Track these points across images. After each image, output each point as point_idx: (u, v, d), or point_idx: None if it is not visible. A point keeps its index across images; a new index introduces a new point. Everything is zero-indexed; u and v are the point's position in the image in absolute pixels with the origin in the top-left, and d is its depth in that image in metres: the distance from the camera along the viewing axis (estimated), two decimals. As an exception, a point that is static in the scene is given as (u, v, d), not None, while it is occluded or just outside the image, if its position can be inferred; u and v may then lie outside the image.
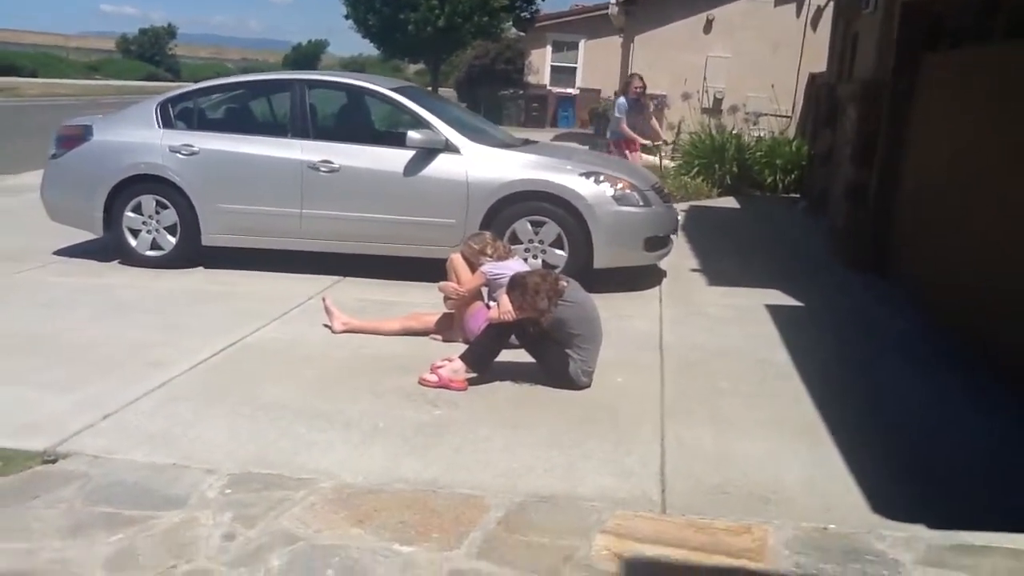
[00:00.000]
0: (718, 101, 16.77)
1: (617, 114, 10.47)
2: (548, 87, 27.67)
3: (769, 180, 12.95)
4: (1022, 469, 3.97)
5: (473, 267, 5.42)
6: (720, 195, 12.68)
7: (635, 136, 10.32)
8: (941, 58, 7.06)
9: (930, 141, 7.00)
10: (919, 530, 3.32)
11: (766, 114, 15.45)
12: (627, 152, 10.22)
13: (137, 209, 7.03)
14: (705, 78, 16.90)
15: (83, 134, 7.18)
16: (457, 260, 5.53)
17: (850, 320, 6.39)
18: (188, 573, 2.95)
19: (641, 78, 10.58)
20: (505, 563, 3.04)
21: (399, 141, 6.75)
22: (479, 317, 5.21)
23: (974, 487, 3.76)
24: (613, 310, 5.79)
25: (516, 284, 4.70)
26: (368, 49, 46.12)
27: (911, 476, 3.83)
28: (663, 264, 7.52)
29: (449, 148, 6.71)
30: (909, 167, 7.38)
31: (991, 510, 3.52)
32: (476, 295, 5.40)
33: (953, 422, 4.51)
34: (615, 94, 12.10)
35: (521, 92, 27.04)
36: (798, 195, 12.44)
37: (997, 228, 5.45)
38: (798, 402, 4.65)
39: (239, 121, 7.60)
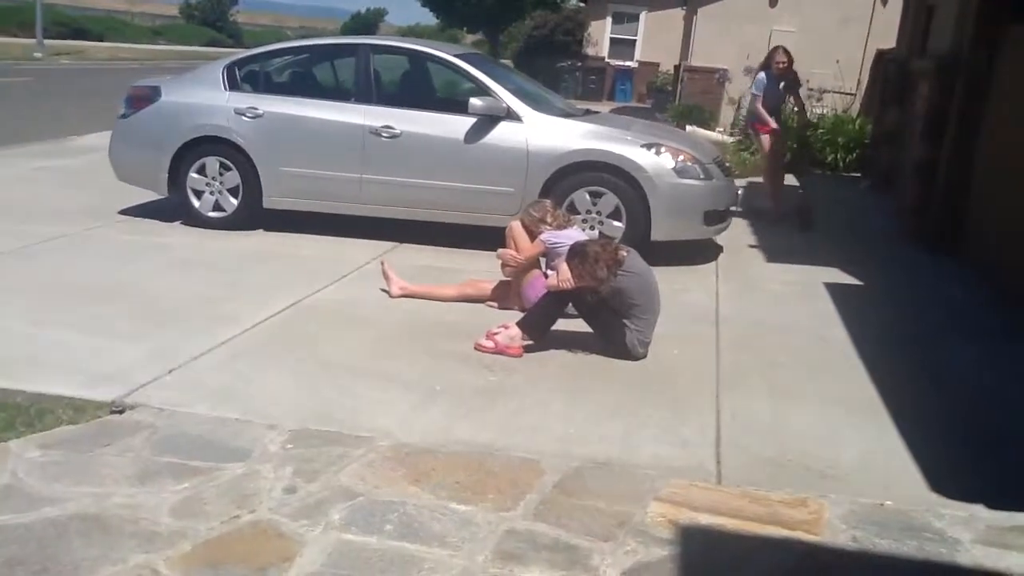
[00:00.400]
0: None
1: (754, 91, 9.17)
2: (607, 59, 27.34)
3: (830, 158, 12.71)
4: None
5: (532, 235, 5.43)
6: (779, 172, 12.45)
7: (768, 119, 8.81)
8: None
9: (1009, 117, 6.79)
10: (978, 510, 3.28)
11: (830, 91, 15.13)
12: (761, 135, 8.99)
13: (201, 170, 7.14)
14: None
15: (152, 95, 7.30)
16: (516, 228, 5.54)
17: (913, 297, 6.28)
18: (251, 523, 3.03)
19: (786, 51, 8.98)
20: (560, 525, 3.07)
21: (461, 108, 6.75)
22: (537, 285, 5.22)
23: (1037, 470, 3.70)
24: (669, 283, 5.75)
25: (576, 252, 4.70)
26: (426, 18, 46.35)
27: (972, 455, 3.78)
28: (720, 239, 7.45)
29: (511, 116, 6.70)
30: (983, 144, 7.19)
31: (1055, 494, 3.46)
32: (534, 263, 5.41)
33: (1017, 404, 4.42)
34: (753, 70, 11.10)
35: (579, 64, 26.78)
36: (859, 174, 12.19)
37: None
38: (857, 378, 4.60)
39: (303, 85, 7.67)
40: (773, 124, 8.82)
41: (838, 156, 12.64)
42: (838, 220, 9.16)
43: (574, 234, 5.33)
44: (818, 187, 11.61)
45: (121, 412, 3.83)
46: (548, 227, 5.42)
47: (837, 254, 7.29)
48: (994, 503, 3.31)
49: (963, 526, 3.17)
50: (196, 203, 7.20)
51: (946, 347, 5.22)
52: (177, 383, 4.13)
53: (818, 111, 13.95)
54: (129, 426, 3.70)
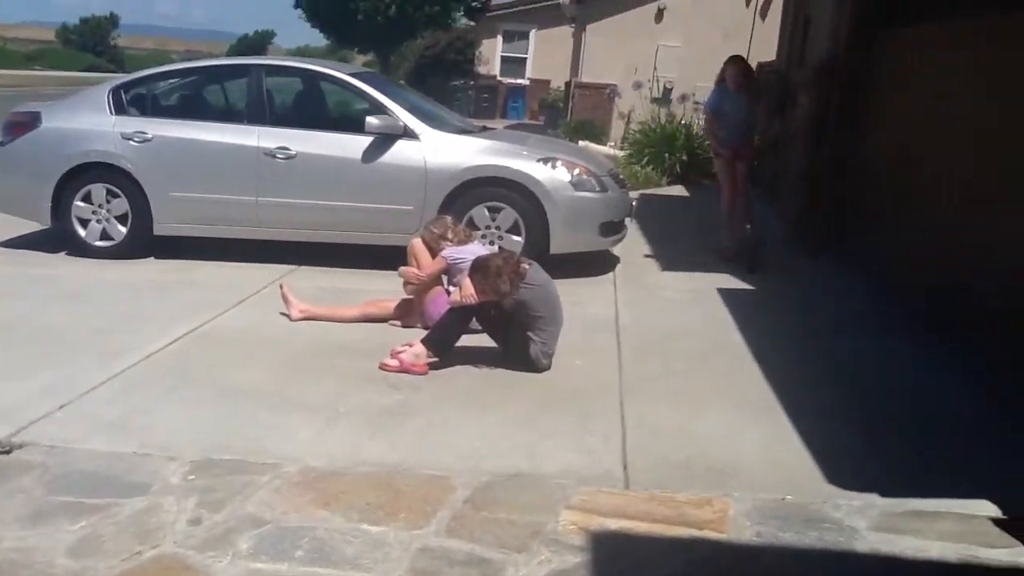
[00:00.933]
0: (668, 90, 16.89)
1: (705, 108, 8.24)
2: (498, 78, 27.62)
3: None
4: (971, 436, 4.11)
5: (433, 252, 5.43)
6: (670, 184, 12.80)
7: (719, 138, 7.79)
8: (898, 35, 7.16)
9: (884, 121, 7.14)
10: (873, 498, 3.42)
11: (716, 103, 15.59)
12: (715, 160, 7.98)
13: (87, 198, 6.91)
14: (656, 67, 17.02)
15: (31, 121, 7.03)
16: (417, 245, 5.54)
17: (801, 299, 6.53)
18: (155, 558, 2.93)
19: (741, 60, 7.80)
20: (474, 539, 3.07)
21: (357, 127, 6.72)
22: (439, 302, 5.22)
23: (925, 455, 3.87)
24: (570, 295, 5.81)
25: (478, 267, 4.72)
26: (315, 40, 45.83)
27: (864, 446, 3.94)
28: (617, 250, 7.59)
29: (408, 134, 6.70)
30: (862, 149, 7.52)
31: (941, 477, 3.63)
32: (436, 280, 5.41)
33: (906, 395, 4.64)
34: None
35: (471, 83, 26.96)
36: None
37: (949, 204, 5.62)
38: (753, 380, 4.75)
39: (194, 107, 7.50)
40: (721, 147, 7.76)
41: (725, 166, 13.01)
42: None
43: (475, 249, 5.35)
44: (707, 196, 11.97)
45: (8, 452, 3.65)
46: (449, 243, 5.44)
47: (728, 261, 7.50)
48: (886, 491, 3.46)
49: (859, 515, 3.30)
50: (82, 232, 6.95)
51: (834, 345, 5.44)
52: (69, 419, 3.98)
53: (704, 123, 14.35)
54: (18, 466, 3.53)
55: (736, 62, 7.67)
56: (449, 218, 5.80)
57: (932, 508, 3.36)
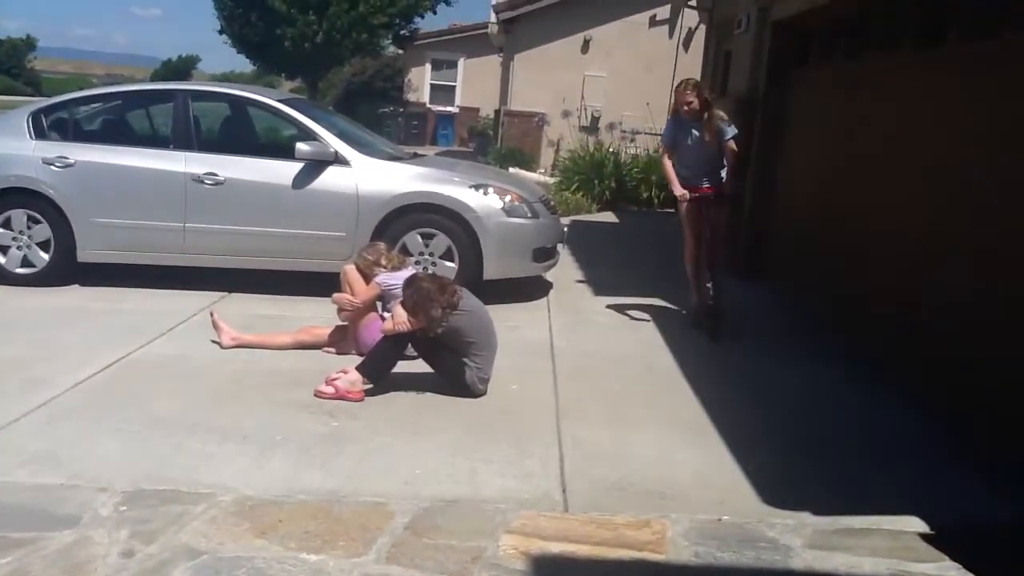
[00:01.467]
0: (596, 119, 17.17)
1: (660, 144, 7.31)
2: (428, 105, 27.70)
3: (646, 195, 13.36)
4: (897, 449, 4.28)
5: (367, 278, 5.41)
6: (599, 210, 13.01)
7: (673, 179, 6.38)
8: (811, 73, 7.49)
9: (799, 152, 7.42)
10: (806, 516, 3.51)
11: (642, 132, 15.90)
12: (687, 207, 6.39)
13: (7, 224, 6.71)
14: (583, 96, 17.28)
15: None
16: (351, 272, 5.51)
17: (732, 321, 6.65)
18: (85, 592, 2.85)
19: (695, 86, 6.38)
20: (414, 566, 3.06)
21: (287, 153, 6.67)
22: (373, 328, 5.20)
23: (855, 474, 4.00)
24: (504, 320, 5.86)
25: (411, 285, 4.72)
26: (241, 65, 45.35)
27: (797, 466, 4.05)
28: (550, 275, 7.66)
29: (339, 160, 6.67)
30: (781, 178, 7.78)
31: (872, 495, 3.75)
32: (370, 306, 5.39)
33: (835, 416, 4.79)
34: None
35: (401, 110, 26.99)
36: (673, 210, 12.85)
37: (859, 229, 5.87)
38: (686, 402, 4.84)
39: (118, 132, 7.35)
40: (677, 189, 6.37)
41: (653, 193, 13.29)
42: (657, 253, 9.60)
43: (409, 275, 5.34)
44: (635, 222, 12.18)
45: (-73, 487, 3.51)
46: (383, 269, 5.43)
47: (658, 285, 7.63)
48: (819, 509, 3.56)
49: (793, 533, 3.38)
50: (2, 259, 6.74)
51: (763, 366, 5.57)
52: (-9, 451, 3.84)
53: (632, 151, 14.63)
54: (-62, 501, 3.40)
55: (689, 86, 6.32)
56: (382, 244, 5.79)
57: (863, 525, 3.46)
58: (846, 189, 6.26)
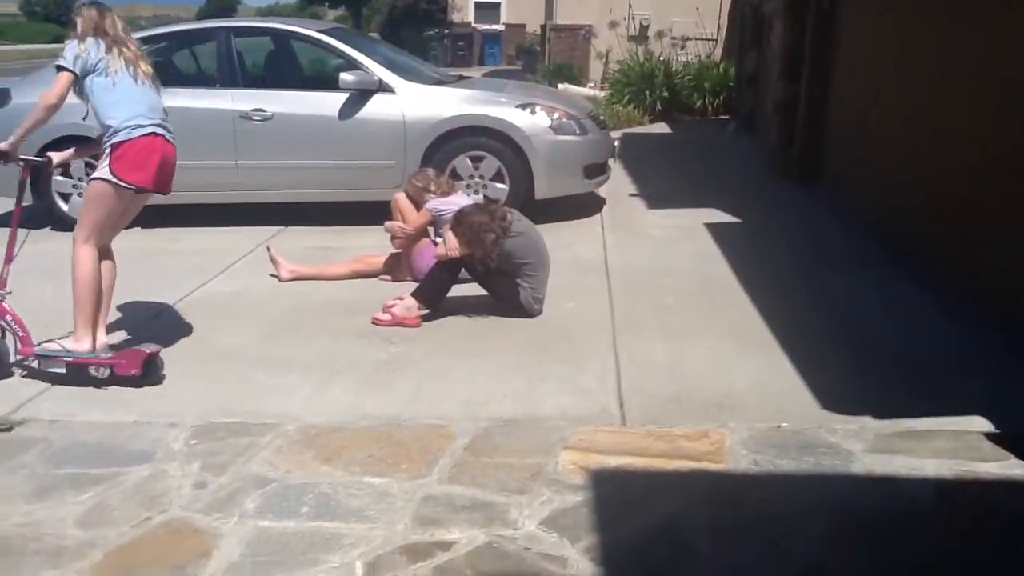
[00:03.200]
0: (644, 28, 16.71)
1: None
2: (473, 25, 27.31)
3: (699, 104, 13.06)
4: (957, 355, 4.17)
5: (418, 205, 5.42)
6: (652, 121, 12.78)
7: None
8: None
9: (856, 50, 7.12)
10: (867, 421, 3.47)
11: (692, 38, 15.47)
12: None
13: (66, 172, 6.83)
14: (630, 5, 16.80)
15: (1, 99, 6.93)
16: (401, 199, 5.52)
17: (787, 230, 6.56)
18: (164, 523, 2.97)
19: None
20: (476, 484, 3.12)
21: (332, 84, 6.66)
22: (427, 254, 5.23)
23: (917, 378, 3.93)
24: (557, 238, 5.84)
25: (461, 222, 4.72)
26: (285, -3, 45.03)
27: (856, 371, 3.99)
28: (602, 191, 7.58)
29: (383, 88, 6.64)
30: (837, 78, 7.51)
31: (933, 398, 3.68)
32: (423, 232, 5.41)
33: (890, 316, 4.69)
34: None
35: (446, 32, 26.66)
36: (727, 117, 12.57)
37: (922, 133, 5.62)
38: (744, 313, 4.79)
39: (166, 74, 7.28)
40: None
41: (706, 101, 12.99)
42: (711, 163, 9.45)
43: (460, 200, 5.34)
44: (688, 131, 11.95)
45: (9, 429, 3.67)
46: (433, 195, 5.43)
47: (713, 196, 7.51)
48: (880, 413, 3.52)
49: (854, 438, 3.36)
50: (64, 206, 6.90)
51: (820, 274, 5.47)
52: (66, 393, 3.99)
53: (683, 59, 14.27)
54: (20, 442, 3.55)
55: None
56: (431, 170, 5.78)
57: (925, 427, 3.41)
58: (907, 92, 5.99)
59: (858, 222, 6.50)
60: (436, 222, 5.28)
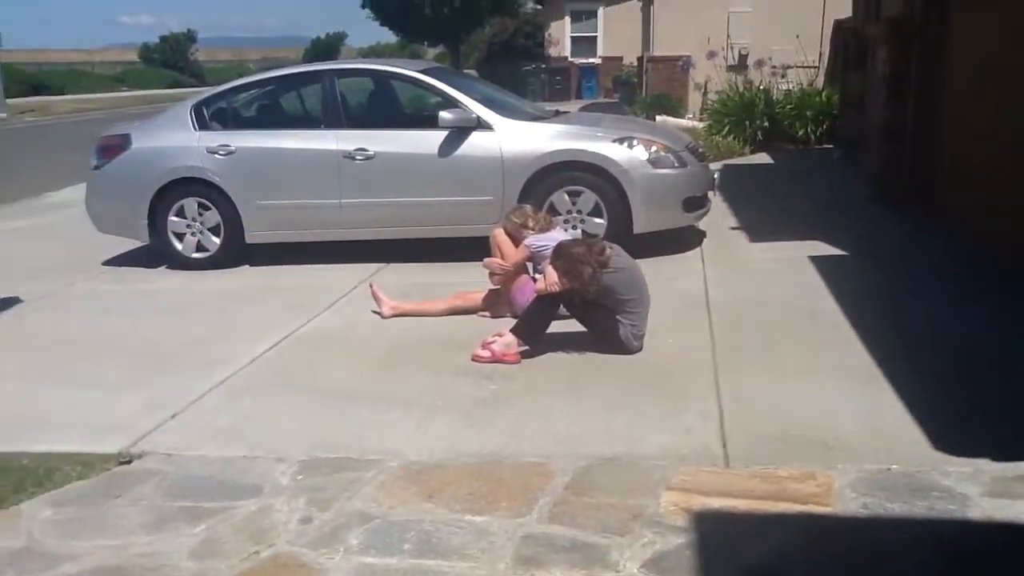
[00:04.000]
0: (743, 57, 16.53)
1: None
2: (569, 59, 27.51)
3: (801, 132, 12.80)
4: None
5: (516, 241, 5.47)
6: (753, 152, 12.59)
7: None
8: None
9: (965, 72, 6.89)
10: (983, 463, 3.32)
11: (793, 66, 15.22)
12: None
13: (180, 213, 7.15)
14: (728, 35, 16.67)
15: (122, 143, 7.31)
16: (500, 235, 5.58)
17: (896, 260, 6.35)
18: (271, 557, 3.04)
19: None
20: (576, 525, 3.10)
21: (431, 123, 6.80)
22: (526, 290, 5.26)
23: (1037, 418, 3.75)
24: (657, 273, 5.79)
25: (560, 255, 4.74)
26: (386, 37, 46.31)
27: (971, 411, 3.82)
28: (702, 224, 7.49)
29: (481, 125, 6.74)
30: (945, 101, 7.27)
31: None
32: (521, 269, 5.44)
33: (1009, 352, 4.49)
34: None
35: (543, 66, 26.92)
36: (831, 145, 12.30)
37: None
38: (851, 347, 4.65)
39: (272, 117, 7.70)
40: None
41: (808, 129, 12.73)
42: (815, 192, 9.25)
43: (558, 235, 5.36)
44: (791, 161, 11.73)
45: (129, 462, 3.84)
46: (531, 231, 5.46)
47: (817, 226, 7.35)
48: (998, 455, 3.36)
49: (970, 481, 3.21)
50: (178, 246, 7.20)
51: (931, 307, 5.27)
52: (181, 427, 4.15)
53: (783, 87, 14.05)
54: (139, 475, 3.71)
55: None
56: (529, 206, 5.83)
57: (1047, 470, 3.25)
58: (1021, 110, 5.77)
59: (972, 251, 6.25)
60: (534, 258, 5.31)
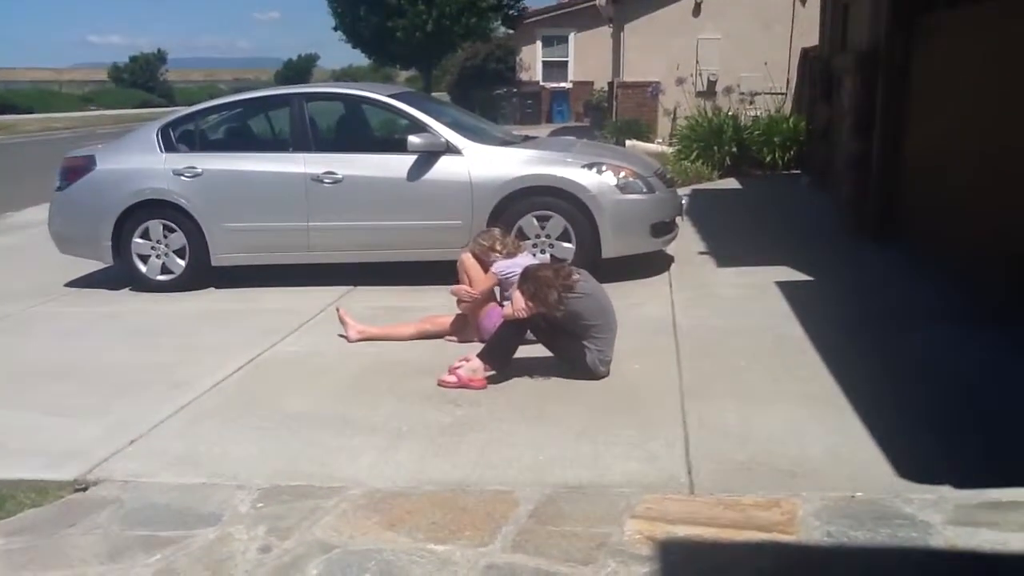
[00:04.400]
0: (712, 83, 16.70)
1: None
2: (541, 83, 27.68)
3: (768, 158, 12.93)
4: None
5: (484, 265, 5.45)
6: (721, 177, 12.69)
7: None
8: (937, 20, 7.04)
9: (929, 105, 7.00)
10: (946, 491, 3.33)
11: (761, 92, 15.39)
12: None
13: (145, 235, 7.07)
14: (698, 61, 16.83)
15: (86, 164, 7.23)
16: (468, 260, 5.56)
17: (861, 288, 6.40)
18: (228, 587, 2.98)
19: None
20: (540, 554, 3.06)
21: (400, 147, 6.80)
22: (493, 315, 5.23)
23: (998, 444, 3.77)
24: (624, 298, 5.80)
25: (527, 278, 4.72)
26: (358, 59, 46.26)
27: (933, 438, 3.83)
28: (670, 249, 7.52)
29: (450, 150, 6.74)
30: (910, 133, 7.38)
31: (1016, 466, 3.52)
32: (489, 295, 5.42)
33: (971, 381, 4.51)
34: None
35: (515, 90, 27.06)
36: (799, 171, 12.43)
37: (1000, 185, 5.47)
38: (816, 374, 4.66)
39: (240, 139, 7.65)
40: None
41: (776, 155, 12.86)
42: (782, 219, 9.32)
43: (525, 261, 5.35)
44: (759, 187, 11.83)
45: (85, 489, 3.75)
46: (499, 255, 5.45)
47: (785, 253, 7.39)
48: (960, 483, 3.37)
49: (933, 509, 3.22)
50: (143, 268, 7.12)
51: (898, 334, 5.31)
52: (139, 454, 4.07)
53: (751, 113, 14.20)
54: (94, 502, 3.63)
55: None
56: (497, 230, 5.82)
57: (1011, 498, 3.26)
58: (991, 141, 5.85)
59: (937, 279, 6.31)
60: (502, 284, 5.29)
